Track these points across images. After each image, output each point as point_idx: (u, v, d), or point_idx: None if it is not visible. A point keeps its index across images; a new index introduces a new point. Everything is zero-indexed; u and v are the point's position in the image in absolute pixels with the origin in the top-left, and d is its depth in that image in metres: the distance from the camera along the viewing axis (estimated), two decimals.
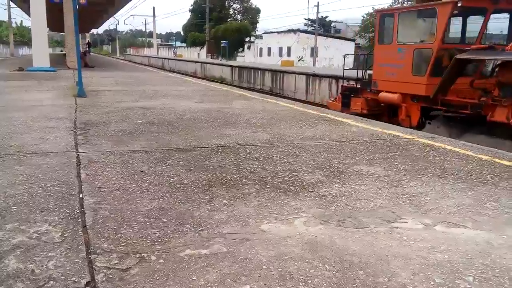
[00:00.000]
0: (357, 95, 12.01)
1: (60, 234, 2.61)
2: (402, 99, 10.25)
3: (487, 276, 2.26)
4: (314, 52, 42.98)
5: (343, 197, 3.45)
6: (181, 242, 2.55)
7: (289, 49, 48.23)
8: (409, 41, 10.26)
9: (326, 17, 65.43)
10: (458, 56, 8.50)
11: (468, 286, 2.16)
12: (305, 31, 52.24)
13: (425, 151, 5.21)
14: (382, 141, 5.73)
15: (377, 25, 11.71)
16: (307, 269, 2.28)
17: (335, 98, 13.92)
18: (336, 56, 46.52)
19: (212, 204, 3.19)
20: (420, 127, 9.79)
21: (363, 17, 48.94)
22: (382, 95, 10.76)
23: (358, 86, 12.54)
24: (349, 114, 9.75)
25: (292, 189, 3.63)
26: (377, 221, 2.98)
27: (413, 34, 10.62)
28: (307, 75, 23.33)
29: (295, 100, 18.10)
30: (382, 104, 11.22)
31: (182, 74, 32.81)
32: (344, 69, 14.57)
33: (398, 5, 31.45)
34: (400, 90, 10.13)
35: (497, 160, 4.85)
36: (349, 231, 2.80)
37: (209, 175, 3.90)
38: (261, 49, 55.35)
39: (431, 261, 2.40)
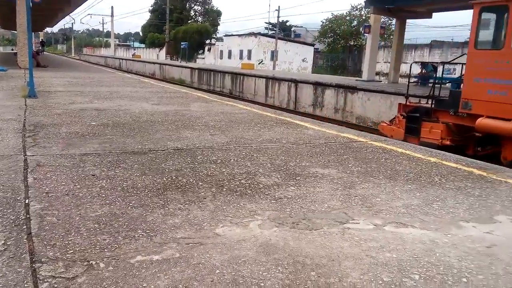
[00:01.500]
0: (431, 119, 9.00)
1: (2, 242, 2.48)
2: None
3: (432, 274, 2.35)
4: (274, 55, 43.38)
5: (299, 200, 3.50)
6: (132, 248, 2.49)
7: (249, 52, 48.42)
8: None
9: (287, 21, 66.31)
10: None
11: (414, 284, 2.24)
12: (266, 35, 52.63)
13: (377, 153, 5.37)
14: (337, 144, 5.85)
15: (474, 23, 8.22)
16: (261, 272, 2.29)
17: (393, 121, 10.48)
18: (296, 60, 47.20)
19: (167, 208, 3.14)
20: None
21: (322, 22, 49.91)
22: (483, 122, 7.73)
23: (428, 105, 9.44)
24: (417, 144, 7.35)
25: (249, 192, 3.63)
26: (330, 223, 3.03)
27: None
28: (267, 78, 23.52)
29: (255, 103, 18.21)
30: (476, 134, 8.24)
31: (140, 75, 32.19)
32: (409, 81, 11.07)
33: None
34: None
35: (444, 162, 5.08)
36: (303, 233, 2.83)
37: (164, 179, 3.84)
38: (221, 51, 55.24)
39: (380, 261, 2.47)
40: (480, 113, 7.79)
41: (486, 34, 8.51)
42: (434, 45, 35.04)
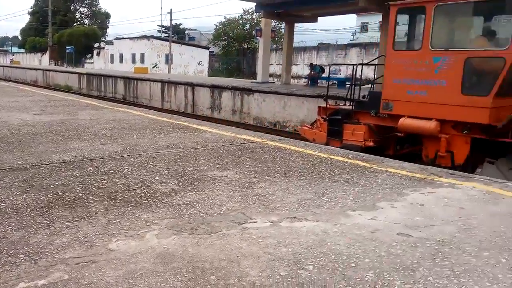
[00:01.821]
0: (352, 121, 8.84)
1: None
2: (441, 128, 7.37)
3: (324, 262, 2.50)
4: (169, 59, 42.65)
5: (197, 204, 3.47)
6: (14, 275, 2.25)
7: (142, 55, 46.97)
8: (455, 45, 7.43)
9: (180, 24, 65.52)
10: None
11: (309, 274, 2.35)
12: (159, 38, 51.51)
13: (273, 152, 5.56)
14: (235, 146, 5.94)
15: (391, 24, 8.07)
16: (158, 283, 2.22)
17: (314, 124, 10.20)
18: (192, 63, 46.94)
19: (52, 227, 2.89)
20: (465, 167, 7.12)
21: (216, 25, 50.35)
22: (406, 122, 7.64)
23: (349, 107, 9.26)
24: (340, 147, 7.45)
25: (145, 201, 3.51)
26: (229, 224, 3.06)
27: (460, 36, 7.99)
28: (163, 82, 23.03)
29: (151, 108, 17.70)
30: (398, 134, 8.08)
31: (20, 83, 29.37)
32: (329, 84, 10.85)
33: None
34: (439, 115, 7.26)
35: (333, 156, 5.44)
36: (202, 238, 2.81)
37: (49, 196, 3.53)
38: (112, 55, 52.75)
39: (277, 256, 2.56)
40: (401, 113, 7.73)
41: (404, 35, 8.51)
42: (321, 47, 37.47)
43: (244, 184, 4.07)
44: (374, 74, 9.97)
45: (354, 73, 9.55)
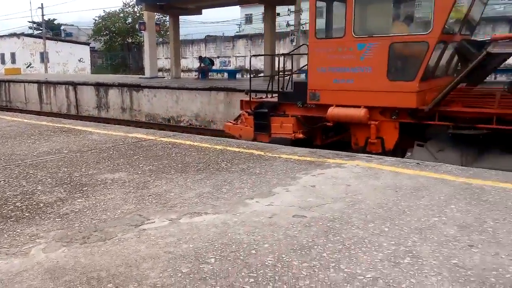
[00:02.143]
0: (279, 114, 8.52)
1: None
2: (370, 115, 7.30)
3: (226, 253, 2.51)
4: (44, 57, 39.09)
5: (88, 211, 3.24)
6: None
7: (13, 55, 42.40)
8: (378, 32, 7.27)
9: (54, 19, 60.30)
10: (495, 49, 6.01)
11: (211, 267, 2.35)
12: (31, 35, 46.89)
13: (168, 149, 5.44)
14: (126, 146, 5.67)
15: (312, 12, 7.81)
16: None
17: (238, 119, 9.64)
18: (71, 61, 43.66)
19: None
20: (395, 152, 7.18)
21: (95, 20, 47.39)
22: (334, 111, 7.46)
23: (274, 99, 8.89)
24: (267, 142, 7.29)
25: (27, 214, 3.18)
26: (125, 228, 2.92)
27: (382, 22, 7.84)
28: (39, 83, 21.09)
29: (27, 112, 16.11)
30: (327, 123, 7.85)
31: None
32: (251, 75, 10.24)
33: None
34: (367, 103, 7.18)
35: (228, 148, 5.50)
36: (96, 246, 2.64)
37: None
38: None
39: (178, 254, 2.51)
40: (329, 102, 7.51)
41: (326, 23, 8.27)
42: (209, 39, 37.51)
43: (139, 185, 3.91)
44: (292, 64, 9.50)
45: (277, 64, 9.34)
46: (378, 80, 6.90)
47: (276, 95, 8.83)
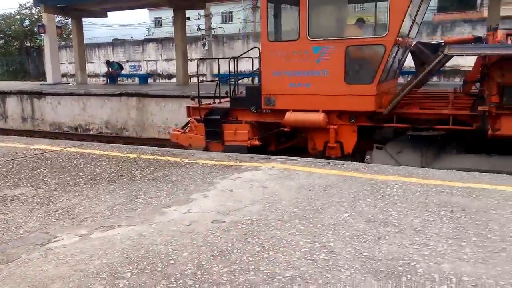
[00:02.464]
0: (233, 121, 8.07)
1: None
2: (329, 119, 7.16)
3: (143, 266, 2.42)
4: None
5: None
6: None
7: None
8: (334, 34, 7.11)
9: None
10: (451, 51, 6.10)
11: (127, 282, 2.24)
12: None
13: (75, 160, 5.10)
14: (28, 158, 5.23)
15: (263, 15, 7.39)
16: None
17: (186, 127, 8.96)
18: None
19: None
20: (354, 155, 7.18)
21: None
22: (292, 116, 7.21)
23: (225, 105, 8.36)
24: (220, 151, 6.92)
25: None
26: (29, 248, 2.68)
27: (338, 25, 7.80)
28: None
29: None
30: (285, 129, 7.58)
31: None
32: (198, 80, 9.18)
33: None
34: (325, 106, 7.03)
35: (142, 156, 5.31)
36: None
37: None
38: None
39: (90, 271, 2.36)
40: (285, 107, 7.24)
41: (281, 25, 7.92)
42: (116, 43, 36.00)
43: (44, 200, 3.62)
44: (232, 68, 8.59)
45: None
46: (336, 84, 6.77)
47: (223, 100, 8.48)
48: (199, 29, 27.81)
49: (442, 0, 37.38)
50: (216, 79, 8.92)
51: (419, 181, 3.93)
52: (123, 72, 24.86)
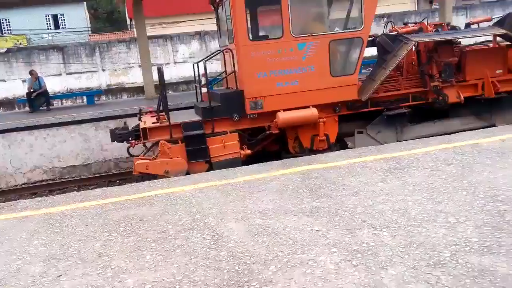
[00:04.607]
0: (217, 133, 7.02)
1: None
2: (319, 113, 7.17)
3: None
4: None
5: None
6: None
7: None
8: (315, 30, 7.17)
9: None
10: (420, 39, 7.27)
11: None
12: None
13: None
14: None
15: (241, 14, 6.83)
16: None
17: (150, 154, 7.16)
18: None
19: None
20: (336, 144, 7.43)
21: None
22: (285, 116, 6.91)
23: (187, 120, 7.03)
24: (207, 171, 5.92)
25: None
26: None
27: (317, 22, 7.82)
28: None
29: None
30: (274, 132, 7.12)
31: None
32: (164, 92, 6.87)
33: None
34: (314, 101, 7.06)
35: None
36: None
37: None
38: None
39: None
40: (274, 109, 6.95)
41: (258, 24, 7.75)
42: None
43: None
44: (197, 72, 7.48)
45: (197, 72, 7.39)
46: (323, 78, 6.99)
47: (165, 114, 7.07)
48: None
49: (94, 22, 38.82)
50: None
51: (95, 203, 3.86)
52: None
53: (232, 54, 6.93)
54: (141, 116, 7.53)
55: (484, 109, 7.64)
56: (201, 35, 18.31)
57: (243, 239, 2.85)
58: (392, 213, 3.03)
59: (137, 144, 6.86)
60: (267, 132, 7.08)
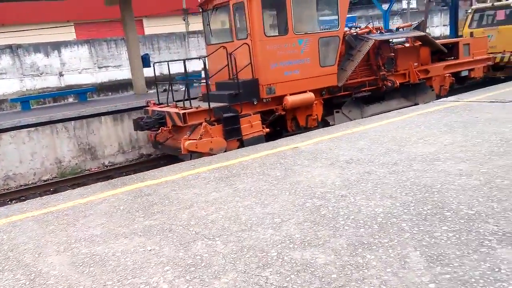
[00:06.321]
0: (244, 115, 7.91)
1: None
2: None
3: None
4: None
5: None
6: None
7: None
8: (310, 29, 8.53)
9: None
10: (378, 38, 9.18)
11: None
12: None
13: None
14: None
15: (259, 12, 7.91)
16: None
17: (192, 134, 7.57)
18: None
19: None
20: (321, 121, 8.82)
21: None
22: (292, 99, 8.14)
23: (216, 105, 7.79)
24: (239, 147, 7.30)
25: None
26: None
27: (311, 21, 8.91)
28: None
29: None
30: (281, 113, 8.35)
31: None
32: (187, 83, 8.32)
33: None
34: (309, 87, 8.40)
35: None
36: None
37: None
38: None
39: None
40: (283, 93, 8.17)
41: (273, 23, 8.90)
42: None
43: None
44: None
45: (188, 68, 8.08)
46: (315, 68, 8.36)
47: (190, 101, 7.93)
48: None
49: None
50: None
51: None
52: None
53: (249, 48, 7.77)
54: (147, 108, 8.36)
55: (410, 92, 9.91)
56: (12, 49, 16.17)
57: (66, 273, 2.54)
58: (225, 221, 3.08)
59: (165, 130, 7.66)
60: (276, 114, 8.24)
